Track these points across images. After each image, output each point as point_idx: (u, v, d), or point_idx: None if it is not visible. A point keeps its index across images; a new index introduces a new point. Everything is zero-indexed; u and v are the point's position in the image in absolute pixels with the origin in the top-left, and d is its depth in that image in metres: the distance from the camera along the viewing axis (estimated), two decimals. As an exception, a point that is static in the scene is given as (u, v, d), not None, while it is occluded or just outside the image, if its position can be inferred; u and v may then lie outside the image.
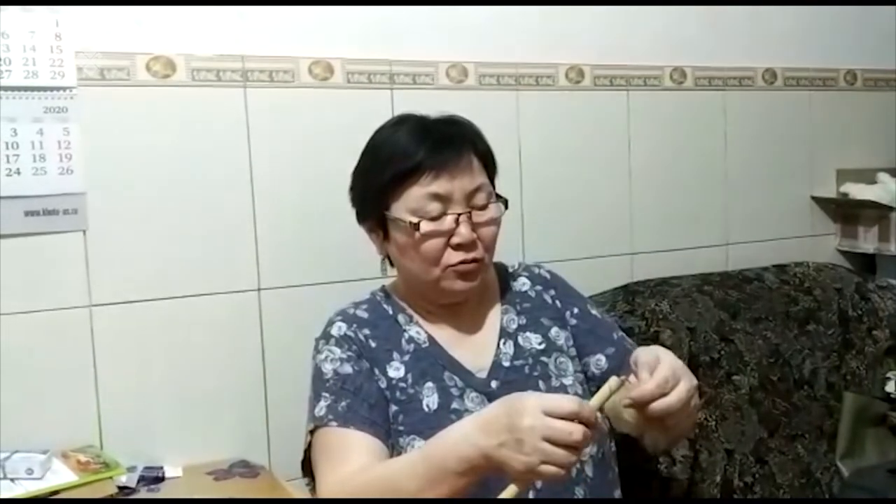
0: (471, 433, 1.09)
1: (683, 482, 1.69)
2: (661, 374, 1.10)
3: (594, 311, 1.46)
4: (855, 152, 2.29)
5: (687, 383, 1.11)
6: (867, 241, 2.23)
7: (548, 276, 1.48)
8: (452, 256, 1.30)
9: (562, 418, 1.01)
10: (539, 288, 1.45)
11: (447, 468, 1.08)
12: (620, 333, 1.46)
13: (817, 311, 1.97)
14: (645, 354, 1.15)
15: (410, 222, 1.27)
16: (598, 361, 1.39)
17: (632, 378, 1.13)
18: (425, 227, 1.27)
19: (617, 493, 1.37)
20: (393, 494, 1.12)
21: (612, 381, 1.09)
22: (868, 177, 2.25)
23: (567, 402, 1.03)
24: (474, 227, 1.30)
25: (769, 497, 1.77)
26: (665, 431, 1.16)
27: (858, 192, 2.23)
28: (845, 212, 2.28)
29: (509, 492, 1.05)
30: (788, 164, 2.23)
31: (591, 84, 1.96)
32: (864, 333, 1.99)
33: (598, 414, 1.07)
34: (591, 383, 1.38)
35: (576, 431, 1.01)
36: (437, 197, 1.28)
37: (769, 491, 1.77)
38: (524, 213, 1.88)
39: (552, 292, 1.45)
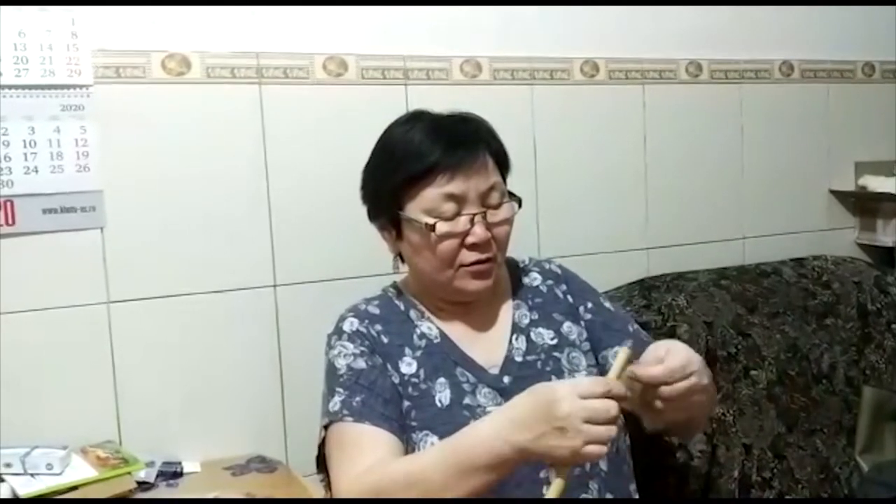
0: (502, 430, 1.08)
1: (701, 477, 1.69)
2: (673, 362, 1.10)
3: (607, 304, 1.45)
4: (873, 144, 2.27)
5: (697, 378, 1.10)
6: (886, 234, 2.21)
7: (559, 270, 1.48)
8: (467, 256, 1.30)
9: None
10: (550, 282, 1.45)
11: (477, 464, 1.08)
12: (636, 326, 1.45)
13: (836, 305, 1.95)
14: (658, 345, 1.15)
15: (426, 223, 1.27)
16: (616, 355, 1.38)
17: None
18: (441, 227, 1.27)
19: (632, 488, 1.36)
20: (417, 488, 1.11)
21: (625, 350, 1.10)
22: (887, 169, 2.24)
23: (598, 385, 1.05)
24: (488, 226, 1.29)
25: (787, 492, 1.76)
26: (660, 416, 1.14)
27: (877, 184, 2.21)
28: (864, 205, 2.26)
29: (556, 487, 1.05)
30: (806, 157, 2.21)
31: (606, 78, 1.95)
32: (883, 327, 1.97)
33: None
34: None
35: (612, 407, 1.03)
36: (451, 197, 1.27)
37: (787, 486, 1.76)
38: (539, 208, 1.88)
39: (564, 287, 1.45)
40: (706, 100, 2.07)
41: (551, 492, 1.05)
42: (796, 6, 2.14)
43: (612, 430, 1.03)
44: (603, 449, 1.02)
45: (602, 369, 1.39)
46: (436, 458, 1.14)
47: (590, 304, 1.43)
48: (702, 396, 1.14)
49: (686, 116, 2.05)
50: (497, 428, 1.09)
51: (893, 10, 2.26)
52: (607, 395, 1.04)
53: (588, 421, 1.02)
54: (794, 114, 2.18)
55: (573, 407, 1.02)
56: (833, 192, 2.25)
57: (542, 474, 1.24)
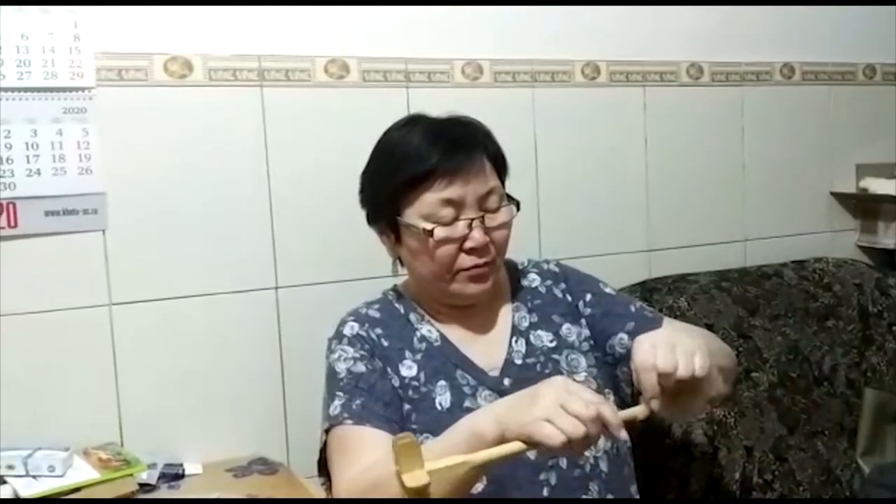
0: (487, 407, 1.11)
1: (702, 479, 1.69)
2: (649, 383, 1.05)
3: (608, 290, 1.45)
4: (874, 147, 2.27)
5: (683, 368, 1.04)
6: (887, 237, 2.21)
7: (557, 269, 1.48)
8: (465, 260, 1.30)
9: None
10: (549, 283, 1.45)
11: (457, 446, 1.07)
12: (638, 304, 1.44)
13: (837, 307, 1.96)
14: (639, 355, 1.08)
15: (424, 229, 1.27)
16: (622, 340, 1.37)
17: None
18: (439, 233, 1.27)
19: (633, 489, 1.36)
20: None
21: (642, 411, 1.07)
22: (888, 171, 2.23)
23: (592, 393, 1.04)
24: (487, 230, 1.29)
25: (788, 494, 1.76)
26: (682, 407, 1.10)
27: (878, 186, 2.21)
28: (865, 207, 2.26)
29: (511, 446, 1.02)
30: (807, 160, 2.21)
31: (608, 80, 1.95)
32: (884, 329, 1.98)
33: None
34: (622, 363, 1.37)
35: (591, 409, 0.99)
36: (449, 202, 1.27)
37: (788, 488, 1.76)
38: (540, 210, 1.88)
39: (562, 286, 1.45)
40: (707, 102, 2.07)
41: (502, 447, 1.02)
42: (797, 7, 2.14)
43: (577, 426, 0.98)
44: (559, 436, 0.98)
45: (609, 359, 1.39)
46: (426, 446, 1.14)
47: (588, 297, 1.43)
48: (700, 366, 1.06)
49: (687, 118, 2.05)
50: (487, 407, 1.12)
51: (894, 12, 2.26)
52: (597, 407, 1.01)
53: (562, 406, 1.00)
54: (795, 116, 2.18)
55: (557, 390, 1.03)
56: (834, 194, 2.25)
57: (541, 476, 1.24)
